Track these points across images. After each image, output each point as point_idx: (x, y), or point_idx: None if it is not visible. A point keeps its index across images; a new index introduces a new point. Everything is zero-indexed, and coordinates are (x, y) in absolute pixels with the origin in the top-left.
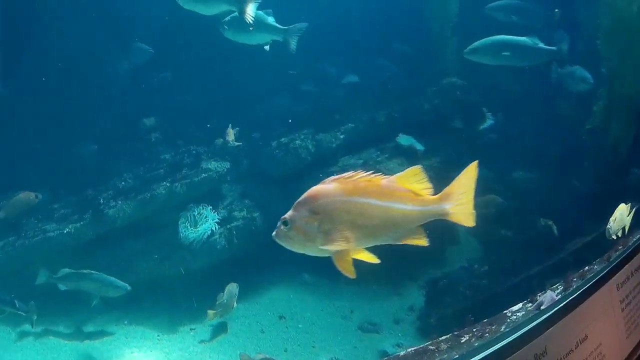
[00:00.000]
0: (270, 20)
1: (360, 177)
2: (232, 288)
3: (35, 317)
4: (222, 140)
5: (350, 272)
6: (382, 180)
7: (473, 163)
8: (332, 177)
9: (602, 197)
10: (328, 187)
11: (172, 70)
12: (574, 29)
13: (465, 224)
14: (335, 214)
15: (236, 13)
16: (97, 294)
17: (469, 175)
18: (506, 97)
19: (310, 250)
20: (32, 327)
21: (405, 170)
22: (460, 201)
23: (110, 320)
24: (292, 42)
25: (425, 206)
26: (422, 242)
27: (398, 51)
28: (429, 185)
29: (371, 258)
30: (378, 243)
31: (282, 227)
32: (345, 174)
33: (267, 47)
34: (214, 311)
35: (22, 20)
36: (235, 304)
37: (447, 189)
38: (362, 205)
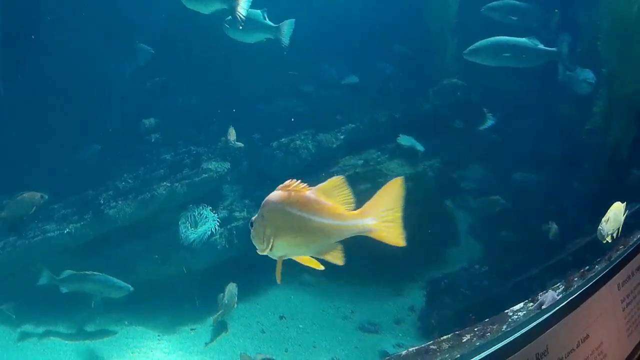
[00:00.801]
0: (266, 20)
1: (294, 187)
2: (232, 288)
3: (14, 305)
4: (224, 139)
5: (277, 277)
6: (308, 190)
7: (398, 178)
8: (281, 185)
9: (602, 197)
10: (275, 193)
11: (172, 71)
12: (574, 29)
13: (394, 244)
14: (273, 221)
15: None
16: (100, 296)
17: (394, 191)
18: (507, 97)
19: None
20: (14, 316)
21: (327, 180)
22: (386, 218)
23: (110, 321)
24: (283, 39)
25: (343, 221)
26: (338, 261)
27: (398, 52)
28: (352, 198)
29: (316, 264)
30: (303, 254)
31: (250, 227)
32: (287, 182)
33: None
34: (217, 314)
35: (23, 21)
36: (236, 304)
37: (368, 204)
38: (288, 214)
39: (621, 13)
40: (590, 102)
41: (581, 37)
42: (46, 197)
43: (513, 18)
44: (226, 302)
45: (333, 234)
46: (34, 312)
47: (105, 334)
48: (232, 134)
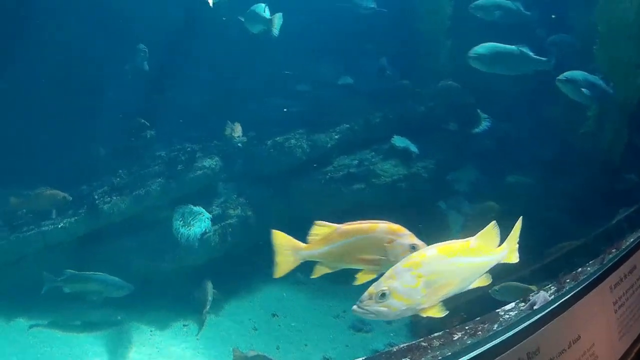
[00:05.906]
0: (266, 13)
1: None
2: (209, 286)
3: None
4: (229, 134)
5: None
6: None
7: None
8: None
9: (594, 201)
10: None
11: (168, 69)
12: (569, 33)
13: None
14: None
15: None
16: (102, 295)
17: None
18: (501, 100)
19: None
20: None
21: None
22: None
23: (104, 315)
24: (273, 30)
25: None
26: None
27: (394, 53)
28: None
29: None
30: None
31: None
32: None
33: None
34: (206, 309)
35: (20, 14)
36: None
37: None
38: None
39: (616, 18)
40: (584, 106)
41: (577, 40)
42: (70, 198)
43: (496, 13)
44: (210, 298)
45: None
46: (27, 306)
47: (98, 328)
48: (237, 130)
